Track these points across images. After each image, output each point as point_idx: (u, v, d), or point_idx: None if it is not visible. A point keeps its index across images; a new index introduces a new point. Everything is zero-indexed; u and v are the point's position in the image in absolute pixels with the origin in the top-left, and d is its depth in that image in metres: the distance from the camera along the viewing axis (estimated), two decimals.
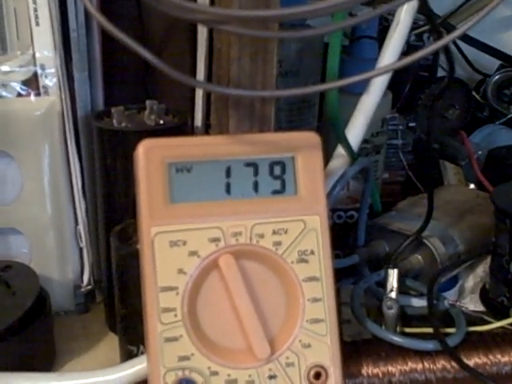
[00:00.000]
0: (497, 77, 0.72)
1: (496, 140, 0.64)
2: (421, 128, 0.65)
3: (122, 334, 0.42)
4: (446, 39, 0.32)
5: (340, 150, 0.43)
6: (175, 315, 0.33)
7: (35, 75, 0.46)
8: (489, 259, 0.48)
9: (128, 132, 0.43)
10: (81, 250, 0.49)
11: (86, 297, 0.50)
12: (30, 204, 0.47)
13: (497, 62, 0.75)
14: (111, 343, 0.46)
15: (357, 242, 0.48)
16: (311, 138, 0.36)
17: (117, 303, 0.42)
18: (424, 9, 0.45)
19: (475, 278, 0.49)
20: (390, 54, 0.43)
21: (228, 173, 0.35)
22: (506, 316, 0.44)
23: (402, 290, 0.45)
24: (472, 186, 0.60)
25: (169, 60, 0.46)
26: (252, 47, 0.36)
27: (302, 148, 0.36)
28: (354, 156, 0.42)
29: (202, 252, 0.34)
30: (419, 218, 0.48)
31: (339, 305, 0.39)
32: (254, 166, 0.35)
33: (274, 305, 0.35)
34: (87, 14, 0.47)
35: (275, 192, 0.35)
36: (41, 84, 0.46)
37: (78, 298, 0.50)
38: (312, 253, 0.35)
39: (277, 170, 0.36)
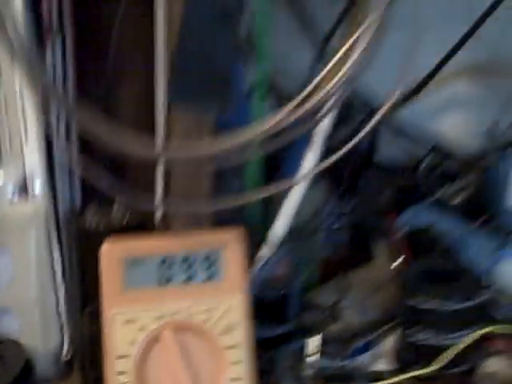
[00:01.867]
0: (427, 159, 0.81)
1: (420, 219, 0.74)
2: (356, 211, 0.75)
3: None
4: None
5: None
6: (128, 377, 0.43)
7: (25, 183, 0.56)
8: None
9: (98, 232, 0.54)
10: (61, 325, 0.58)
11: (66, 365, 0.59)
12: (20, 287, 0.56)
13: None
14: None
15: (288, 315, 0.58)
16: (237, 234, 0.47)
17: (87, 369, 0.51)
18: None
19: (388, 343, 0.59)
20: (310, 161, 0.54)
21: (170, 265, 0.46)
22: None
23: (323, 353, 0.54)
24: (399, 260, 0.69)
25: None
26: None
27: (229, 242, 0.46)
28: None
29: (148, 328, 0.44)
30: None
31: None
32: (190, 259, 0.46)
33: (206, 366, 0.45)
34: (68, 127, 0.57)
35: (207, 278, 0.46)
36: (29, 191, 0.56)
37: (59, 367, 0.59)
38: (236, 325, 0.45)
39: (209, 262, 0.46)
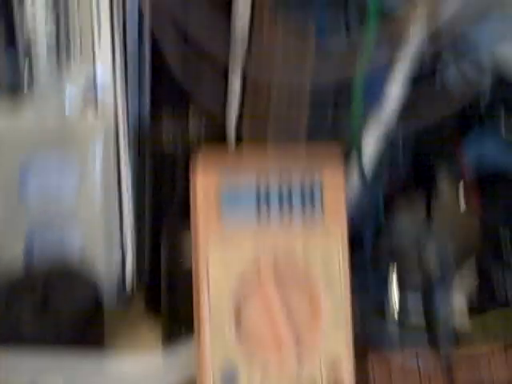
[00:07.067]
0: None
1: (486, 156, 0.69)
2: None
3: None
4: None
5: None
6: (222, 322, 0.41)
7: (95, 89, 0.51)
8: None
9: (178, 154, 0.50)
10: (124, 251, 0.54)
11: (128, 293, 0.54)
12: (84, 203, 0.52)
13: None
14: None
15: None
16: (337, 157, 0.43)
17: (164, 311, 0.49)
18: None
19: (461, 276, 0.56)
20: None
21: (267, 196, 0.42)
22: None
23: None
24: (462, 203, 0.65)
25: None
26: None
27: (328, 168, 0.43)
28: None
29: (245, 267, 0.41)
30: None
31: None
32: (287, 189, 0.43)
33: (302, 310, 0.42)
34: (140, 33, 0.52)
35: (306, 211, 0.43)
36: (99, 98, 0.51)
37: (121, 294, 0.54)
38: (335, 265, 0.43)
39: (307, 192, 0.43)
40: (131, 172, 0.53)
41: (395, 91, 0.52)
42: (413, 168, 0.68)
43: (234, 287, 0.41)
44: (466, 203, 0.64)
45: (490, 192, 0.63)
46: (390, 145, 0.65)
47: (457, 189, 0.64)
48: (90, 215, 0.53)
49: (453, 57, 0.74)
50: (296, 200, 0.43)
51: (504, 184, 0.64)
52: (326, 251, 0.43)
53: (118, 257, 0.54)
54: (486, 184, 0.64)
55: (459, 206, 0.64)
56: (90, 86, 0.51)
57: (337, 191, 0.43)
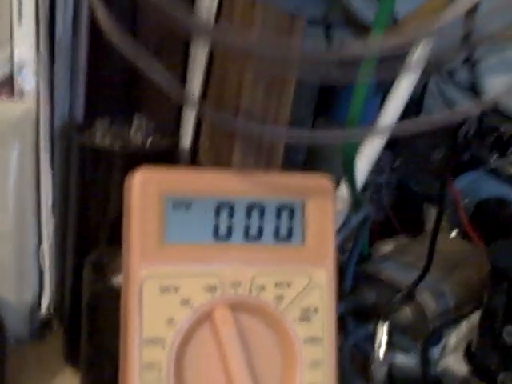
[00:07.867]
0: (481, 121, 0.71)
1: (481, 189, 0.62)
2: (405, 168, 0.63)
3: (85, 375, 0.38)
4: None
5: (342, 192, 0.40)
6: (159, 371, 0.29)
7: (11, 76, 0.41)
8: (473, 315, 0.46)
9: (114, 152, 0.39)
10: (41, 271, 0.44)
11: (42, 323, 0.46)
12: None
13: None
14: (68, 377, 0.42)
15: (343, 289, 0.45)
16: (324, 182, 0.33)
17: (83, 341, 0.37)
18: None
19: (458, 334, 0.47)
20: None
21: (231, 213, 0.31)
22: (493, 382, 0.42)
23: (390, 345, 0.42)
24: (454, 233, 0.58)
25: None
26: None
27: (313, 193, 0.32)
28: (358, 201, 0.40)
29: (195, 301, 0.30)
30: (407, 267, 0.46)
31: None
32: (259, 207, 0.32)
33: (270, 365, 0.31)
34: (75, 17, 0.43)
35: (281, 239, 0.32)
36: (16, 87, 0.41)
37: (33, 324, 0.45)
38: (315, 311, 0.32)
39: (284, 215, 0.32)
40: (55, 173, 0.43)
41: (394, 109, 0.42)
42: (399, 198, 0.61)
43: (176, 322, 0.30)
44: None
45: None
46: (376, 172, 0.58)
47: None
48: None
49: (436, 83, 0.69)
50: (269, 223, 0.32)
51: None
52: (304, 295, 0.32)
53: (32, 280, 0.44)
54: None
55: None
56: (7, 69, 0.41)
57: (324, 221, 0.33)
